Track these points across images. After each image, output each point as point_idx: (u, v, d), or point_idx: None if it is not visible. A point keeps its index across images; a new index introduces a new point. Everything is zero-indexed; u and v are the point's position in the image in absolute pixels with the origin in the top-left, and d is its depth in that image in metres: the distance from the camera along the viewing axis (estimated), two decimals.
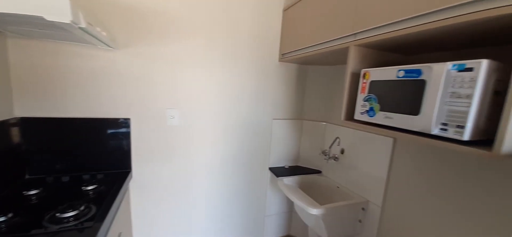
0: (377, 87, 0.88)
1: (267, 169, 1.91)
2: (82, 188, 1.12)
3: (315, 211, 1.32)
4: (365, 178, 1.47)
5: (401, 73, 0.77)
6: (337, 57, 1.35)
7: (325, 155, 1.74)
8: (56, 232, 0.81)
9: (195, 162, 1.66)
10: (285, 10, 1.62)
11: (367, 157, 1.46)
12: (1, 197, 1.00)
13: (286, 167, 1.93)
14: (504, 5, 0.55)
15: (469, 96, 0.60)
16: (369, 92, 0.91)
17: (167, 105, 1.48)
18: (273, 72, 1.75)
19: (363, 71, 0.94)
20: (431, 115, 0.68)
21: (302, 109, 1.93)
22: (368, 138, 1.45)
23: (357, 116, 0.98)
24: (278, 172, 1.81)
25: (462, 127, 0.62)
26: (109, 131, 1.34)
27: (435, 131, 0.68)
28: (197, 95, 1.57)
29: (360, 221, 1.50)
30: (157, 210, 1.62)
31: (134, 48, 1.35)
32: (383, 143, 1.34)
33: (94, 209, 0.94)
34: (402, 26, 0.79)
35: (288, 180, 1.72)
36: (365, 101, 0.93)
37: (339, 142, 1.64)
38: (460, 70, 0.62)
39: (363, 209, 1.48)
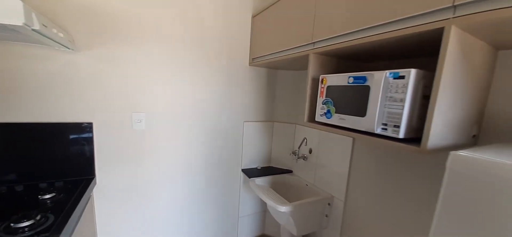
0: (333, 92, 0.97)
1: (240, 170, 1.95)
2: (39, 197, 1.05)
3: (284, 208, 1.38)
4: (330, 175, 1.58)
5: (351, 80, 0.86)
6: (301, 63, 1.43)
7: (295, 155, 1.82)
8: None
9: (164, 167, 1.63)
10: (253, 16, 1.68)
11: (331, 156, 1.57)
12: None
13: (259, 168, 1.99)
14: (408, 26, 0.68)
15: (402, 100, 0.70)
16: (327, 96, 0.99)
17: (133, 109, 1.45)
18: (244, 75, 1.80)
19: (321, 77, 1.02)
20: (374, 117, 0.77)
21: (272, 111, 2.00)
22: (331, 138, 1.55)
23: (318, 118, 1.06)
24: (250, 173, 1.85)
25: (398, 127, 0.72)
26: (70, 136, 1.27)
27: (378, 130, 0.78)
28: (165, 99, 1.55)
29: (326, 215, 1.60)
30: (125, 218, 1.56)
31: (97, 50, 1.30)
32: (344, 142, 1.45)
33: (51, 218, 0.90)
34: (352, 37, 0.89)
35: (260, 181, 1.77)
36: (323, 104, 1.01)
37: (306, 142, 1.73)
38: (395, 78, 0.72)
39: (329, 204, 1.58)
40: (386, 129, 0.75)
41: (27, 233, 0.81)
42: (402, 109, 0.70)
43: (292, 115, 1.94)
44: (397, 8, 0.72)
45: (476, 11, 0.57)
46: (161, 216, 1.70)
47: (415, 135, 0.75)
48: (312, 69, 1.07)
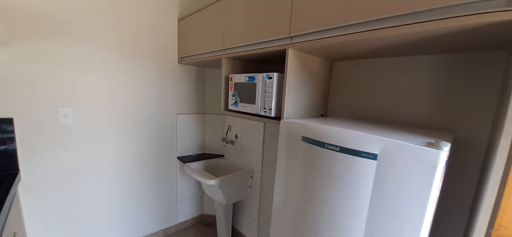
0: (238, 87, 1.32)
1: (175, 158, 2.16)
2: None
3: (211, 182, 1.69)
4: (251, 154, 1.97)
5: (246, 79, 1.23)
6: (219, 64, 1.76)
7: (224, 141, 2.16)
8: None
9: (96, 160, 1.71)
10: (179, 20, 1.90)
11: (250, 138, 1.96)
12: None
13: (194, 155, 2.24)
14: (268, 46, 1.09)
15: (271, 93, 1.10)
16: (235, 90, 1.34)
17: (59, 104, 1.49)
18: (174, 73, 2.00)
19: (230, 75, 1.36)
20: (259, 104, 1.16)
21: (204, 104, 2.27)
22: (250, 124, 1.94)
23: (230, 107, 1.40)
24: (185, 159, 2.09)
25: (271, 109, 1.11)
26: None
27: (262, 113, 1.16)
28: (96, 94, 1.63)
29: (250, 186, 2.00)
30: (55, 213, 1.59)
31: (15, 46, 1.31)
32: (258, 127, 1.85)
33: None
34: (245, 48, 1.25)
35: (194, 165, 2.03)
36: (232, 96, 1.36)
37: (230, 129, 2.08)
38: (268, 78, 1.11)
39: (251, 177, 1.98)
40: (266, 111, 1.14)
41: None
42: (272, 98, 1.10)
43: (220, 107, 2.24)
44: (262, 34, 1.11)
45: (304, 40, 0.99)
46: (95, 209, 1.78)
47: (280, 114, 1.16)
48: (224, 70, 1.40)
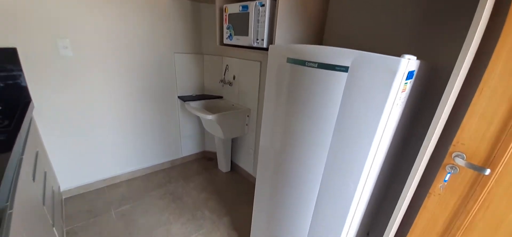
0: (232, 19, 1.31)
1: (176, 97, 2.26)
2: None
3: (210, 116, 1.81)
4: (248, 94, 2.05)
5: (240, 8, 1.22)
6: None
7: (222, 82, 2.21)
8: None
9: (100, 93, 1.82)
10: None
11: (248, 78, 2.01)
12: None
13: (194, 95, 2.33)
14: None
15: (264, 22, 1.10)
16: (229, 22, 1.34)
17: (58, 34, 1.51)
18: (169, 8, 1.95)
19: (224, 6, 1.34)
20: (251, 35, 1.17)
21: (201, 44, 2.26)
22: (246, 64, 1.97)
23: (225, 41, 1.42)
24: (186, 99, 2.19)
25: (263, 40, 1.13)
26: None
27: (255, 44, 1.19)
28: (92, 28, 1.64)
29: (247, 124, 2.13)
30: (68, 138, 1.77)
31: None
32: (255, 66, 1.88)
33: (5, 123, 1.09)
34: None
35: (194, 104, 2.14)
36: (227, 29, 1.36)
37: (228, 68, 2.12)
38: (261, 6, 1.10)
39: (248, 116, 2.09)
40: (258, 42, 1.17)
41: None
42: (264, 28, 1.11)
43: (217, 48, 2.23)
44: None
45: None
46: (106, 141, 1.96)
47: (271, 43, 1.19)
48: (218, 1, 1.37)
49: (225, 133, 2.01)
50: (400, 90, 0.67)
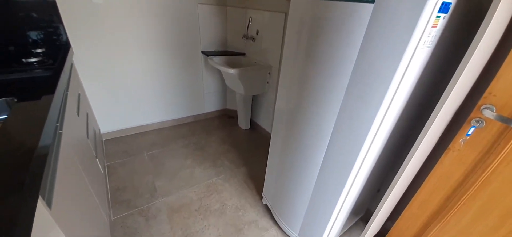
0: None
1: (200, 52, 2.30)
2: (24, 60, 1.31)
3: (232, 71, 1.85)
4: (271, 51, 2.02)
5: None
6: None
7: (245, 37, 2.18)
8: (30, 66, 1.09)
9: (130, 42, 1.91)
10: None
11: (271, 33, 1.96)
12: None
13: (217, 50, 2.35)
14: None
15: None
16: None
17: None
18: None
19: None
20: None
21: None
22: (270, 16, 1.90)
23: None
24: (209, 54, 2.23)
25: None
26: (32, 13, 1.45)
27: None
28: None
29: (268, 82, 2.14)
30: (104, 90, 1.95)
31: None
32: (279, 18, 1.81)
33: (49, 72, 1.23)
34: None
35: (217, 59, 2.17)
36: None
37: (251, 20, 2.06)
38: None
39: (269, 73, 2.09)
40: None
41: (37, 67, 1.14)
42: None
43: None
44: None
45: None
46: (138, 92, 2.12)
47: None
48: None
49: (246, 89, 2.05)
50: (430, 25, 0.61)
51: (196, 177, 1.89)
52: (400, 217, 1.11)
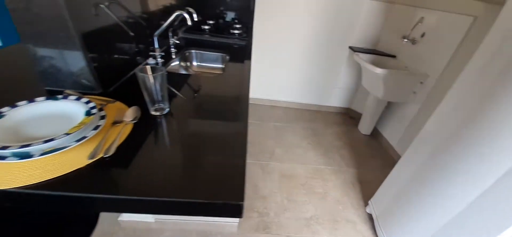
0: None
1: (347, 46, 2.31)
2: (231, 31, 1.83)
3: (379, 70, 1.76)
4: (433, 58, 1.72)
5: None
6: None
7: (405, 38, 1.94)
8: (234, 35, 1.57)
9: (292, 29, 2.21)
10: None
11: (443, 38, 1.65)
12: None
13: (364, 48, 2.28)
14: None
15: None
16: None
17: None
18: None
19: None
20: None
21: None
22: (450, 19, 1.59)
23: None
24: (356, 49, 2.20)
25: None
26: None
27: None
28: None
29: (414, 92, 1.87)
30: (263, 59, 2.40)
31: None
32: (462, 23, 1.50)
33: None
34: None
35: (363, 56, 2.10)
36: None
37: (422, 20, 1.80)
38: None
39: (421, 82, 1.81)
40: None
41: (237, 37, 1.60)
42: None
43: None
44: None
45: None
46: (283, 69, 2.46)
47: None
48: None
49: (386, 93, 1.89)
50: None
51: (308, 157, 2.03)
52: None
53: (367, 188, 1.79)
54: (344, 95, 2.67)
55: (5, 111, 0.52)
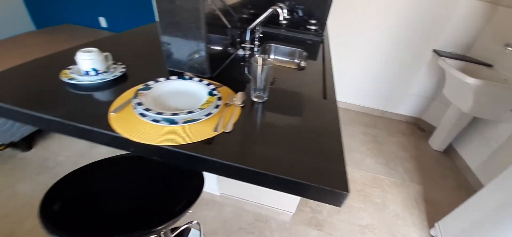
0: None
1: (431, 50, 2.07)
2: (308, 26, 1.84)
3: (471, 80, 1.53)
4: None
5: None
6: None
7: (509, 47, 1.66)
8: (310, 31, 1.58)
9: (368, 29, 2.09)
10: None
11: None
12: None
13: (453, 52, 2.00)
14: None
15: None
16: None
17: None
18: None
19: None
20: None
21: None
22: None
23: None
24: (443, 54, 1.94)
25: None
26: None
27: None
28: None
29: (511, 110, 1.58)
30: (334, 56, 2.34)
31: None
32: None
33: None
34: None
35: (450, 61, 1.84)
36: None
37: None
38: None
39: None
40: None
41: (313, 33, 1.60)
42: None
43: None
44: None
45: None
46: (350, 68, 2.35)
47: None
48: None
49: (474, 106, 1.65)
50: None
51: (365, 164, 1.94)
52: None
53: (433, 208, 1.63)
54: (416, 103, 2.41)
55: (151, 85, 0.67)
